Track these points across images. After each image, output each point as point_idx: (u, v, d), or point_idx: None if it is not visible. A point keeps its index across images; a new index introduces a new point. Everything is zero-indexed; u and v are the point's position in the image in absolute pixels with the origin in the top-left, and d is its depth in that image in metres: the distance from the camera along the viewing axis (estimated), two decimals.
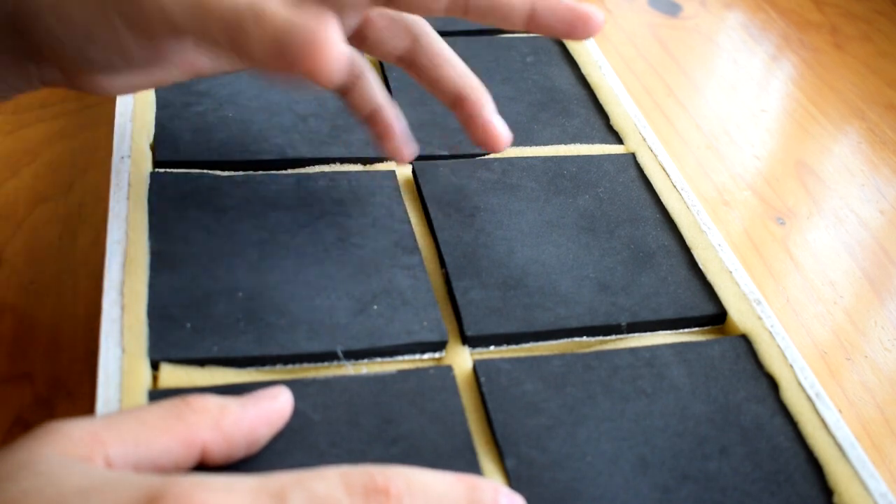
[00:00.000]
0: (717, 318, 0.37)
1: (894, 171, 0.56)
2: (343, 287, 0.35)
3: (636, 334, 0.36)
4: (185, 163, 0.40)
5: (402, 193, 0.41)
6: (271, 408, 0.29)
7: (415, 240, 0.38)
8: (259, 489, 0.24)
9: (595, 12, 0.34)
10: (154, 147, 0.41)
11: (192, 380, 0.32)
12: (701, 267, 0.38)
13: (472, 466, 0.30)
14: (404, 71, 0.40)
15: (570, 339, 0.36)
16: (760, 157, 0.56)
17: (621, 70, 0.62)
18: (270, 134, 0.42)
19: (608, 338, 0.36)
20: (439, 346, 0.34)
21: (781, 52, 0.67)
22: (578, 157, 0.44)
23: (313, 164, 0.42)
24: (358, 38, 0.39)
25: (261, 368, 0.33)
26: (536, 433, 0.31)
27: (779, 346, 0.35)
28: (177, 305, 0.34)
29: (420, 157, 0.43)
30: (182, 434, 0.27)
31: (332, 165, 0.42)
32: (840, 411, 0.39)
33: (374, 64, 0.49)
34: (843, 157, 0.57)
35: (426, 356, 0.34)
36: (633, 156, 0.45)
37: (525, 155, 0.44)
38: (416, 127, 0.43)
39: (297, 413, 0.30)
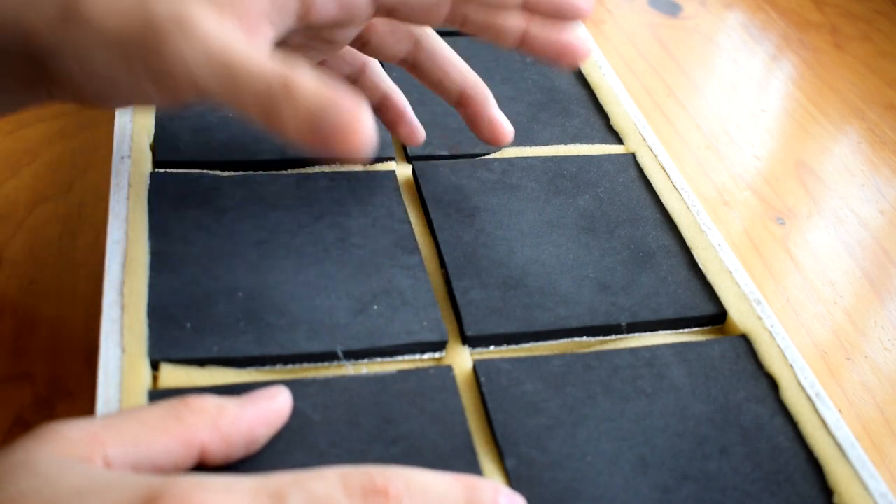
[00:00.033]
0: (717, 318, 0.37)
1: (894, 171, 0.56)
2: (343, 287, 0.35)
3: (636, 334, 0.36)
4: (185, 163, 0.40)
5: (402, 193, 0.41)
6: (270, 408, 0.29)
7: (415, 240, 0.38)
8: (258, 489, 0.24)
9: (583, 44, 0.35)
10: (154, 147, 0.41)
11: (192, 380, 0.32)
12: (701, 267, 0.38)
13: (472, 466, 0.30)
14: (406, 71, 0.40)
15: (570, 339, 0.36)
16: (760, 157, 0.56)
17: (621, 70, 0.62)
18: (270, 134, 0.42)
19: (608, 338, 0.36)
20: (439, 346, 0.34)
21: (781, 52, 0.67)
22: (578, 157, 0.44)
23: (313, 164, 0.42)
24: (360, 42, 0.39)
25: (261, 368, 0.33)
26: (536, 433, 0.31)
27: (779, 346, 0.35)
28: (177, 305, 0.33)
29: (420, 157, 0.43)
30: (181, 434, 0.27)
31: (332, 165, 0.42)
32: (840, 411, 0.39)
33: None
34: (843, 157, 0.57)
35: (426, 356, 0.34)
36: (633, 156, 0.45)
37: (525, 155, 0.44)
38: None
39: (297, 413, 0.30)
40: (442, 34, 0.52)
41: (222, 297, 0.34)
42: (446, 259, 0.37)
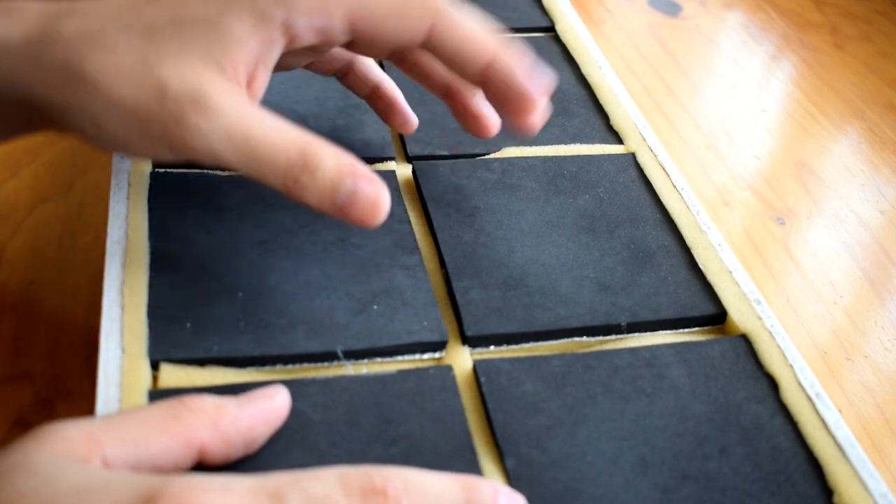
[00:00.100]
0: (717, 318, 0.37)
1: (894, 171, 0.56)
2: (343, 287, 0.35)
3: (636, 334, 0.36)
4: (185, 163, 0.40)
5: (402, 193, 0.41)
6: (268, 407, 0.29)
7: (415, 240, 0.38)
8: (257, 489, 0.24)
9: (540, 99, 0.35)
10: None
11: (192, 380, 0.32)
12: (701, 267, 0.38)
13: (472, 466, 0.30)
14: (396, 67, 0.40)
15: (570, 339, 0.36)
16: (760, 157, 0.56)
17: (621, 70, 0.62)
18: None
19: (608, 338, 0.36)
20: (439, 346, 0.34)
21: (781, 52, 0.67)
22: (578, 157, 0.44)
23: None
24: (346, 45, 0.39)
25: (261, 368, 0.33)
26: (536, 433, 0.31)
27: (779, 346, 0.35)
28: (177, 305, 0.33)
29: (420, 157, 0.43)
30: (180, 434, 0.27)
31: None
32: (840, 411, 0.39)
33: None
34: (843, 157, 0.57)
35: (426, 356, 0.34)
36: (633, 156, 0.45)
37: (525, 155, 0.44)
38: (417, 127, 0.43)
39: (296, 413, 0.30)
40: None
41: (222, 297, 0.34)
42: (446, 259, 0.37)
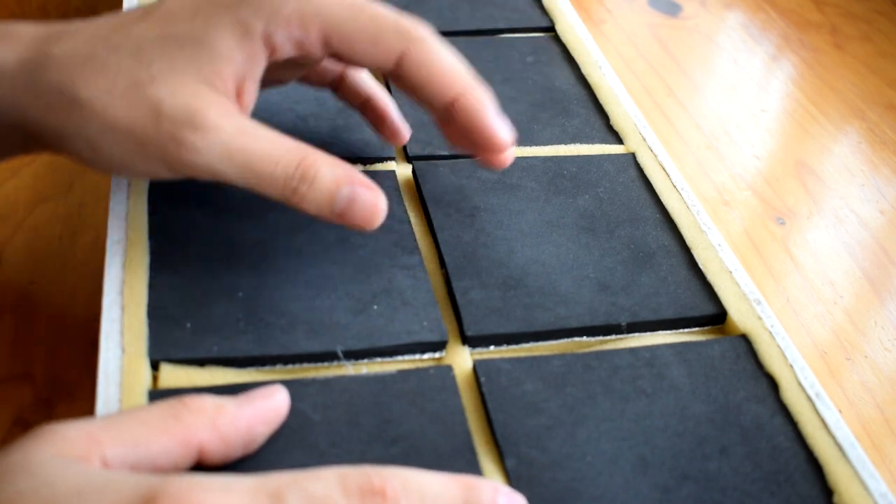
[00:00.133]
0: (717, 318, 0.37)
1: (894, 171, 0.56)
2: (343, 287, 0.35)
3: (636, 334, 0.36)
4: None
5: (402, 193, 0.41)
6: (267, 406, 0.29)
7: (415, 240, 0.38)
8: (256, 489, 0.24)
9: (504, 139, 0.35)
10: None
11: (192, 380, 0.32)
12: (701, 267, 0.38)
13: (472, 466, 0.30)
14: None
15: (570, 339, 0.36)
16: (760, 157, 0.56)
17: (621, 70, 0.62)
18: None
19: (608, 338, 0.36)
20: (439, 346, 0.34)
21: (781, 52, 0.67)
22: (578, 157, 0.44)
23: None
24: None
25: (261, 368, 0.33)
26: (536, 433, 0.31)
27: (779, 346, 0.35)
28: (177, 305, 0.34)
29: (420, 157, 0.43)
30: (179, 434, 0.27)
31: None
32: (840, 411, 0.39)
33: None
34: (843, 157, 0.57)
35: (426, 356, 0.34)
36: (633, 156, 0.45)
37: (525, 155, 0.44)
38: (417, 127, 0.43)
39: (296, 413, 0.30)
40: (442, 34, 0.52)
41: (222, 297, 0.34)
42: (446, 259, 0.37)
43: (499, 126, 0.35)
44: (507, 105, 0.47)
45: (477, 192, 0.41)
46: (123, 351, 0.32)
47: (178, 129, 0.31)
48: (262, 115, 0.43)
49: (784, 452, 0.32)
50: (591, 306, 0.36)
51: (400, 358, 0.34)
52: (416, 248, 0.38)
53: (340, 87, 0.41)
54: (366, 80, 0.41)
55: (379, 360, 0.34)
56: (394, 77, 0.36)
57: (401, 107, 0.42)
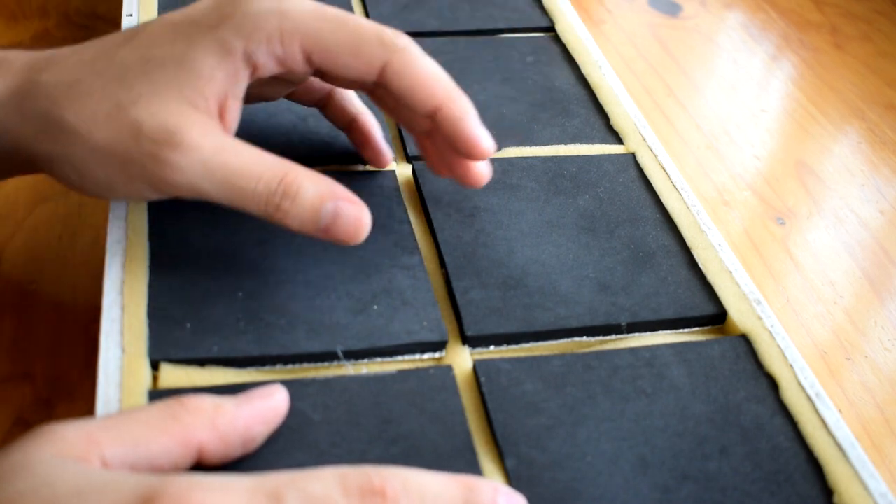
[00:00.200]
0: (717, 318, 0.37)
1: (894, 171, 0.56)
2: (343, 287, 0.35)
3: (636, 334, 0.36)
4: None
5: (402, 193, 0.41)
6: (266, 406, 0.29)
7: (415, 240, 0.38)
8: (255, 489, 0.24)
9: (487, 147, 0.35)
10: None
11: (191, 380, 0.32)
12: (701, 267, 0.38)
13: (472, 466, 0.30)
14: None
15: (570, 339, 0.36)
16: (760, 157, 0.56)
17: (621, 70, 0.62)
18: (270, 135, 0.42)
19: (608, 338, 0.36)
20: (439, 346, 0.34)
21: (781, 52, 0.67)
22: (578, 157, 0.44)
23: (313, 164, 0.41)
24: (320, 75, 0.39)
25: (261, 368, 0.33)
26: (536, 433, 0.31)
27: (779, 346, 0.35)
28: (177, 305, 0.34)
29: (420, 158, 0.43)
30: (178, 434, 0.27)
31: (332, 166, 0.42)
32: (840, 411, 0.39)
33: None
34: (843, 157, 0.57)
35: (426, 356, 0.34)
36: (633, 156, 0.45)
37: (525, 155, 0.44)
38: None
39: (296, 413, 0.30)
40: (442, 34, 0.52)
41: (222, 297, 0.34)
42: (446, 259, 0.37)
43: (481, 134, 0.35)
44: (507, 105, 0.47)
45: (477, 192, 0.41)
46: (123, 351, 0.32)
47: (159, 148, 0.32)
48: (263, 115, 0.43)
49: (784, 452, 0.32)
50: (591, 306, 0.36)
51: (400, 358, 0.34)
52: (416, 248, 0.38)
53: (327, 107, 0.41)
54: (352, 100, 0.41)
55: (379, 360, 0.34)
56: (377, 90, 0.36)
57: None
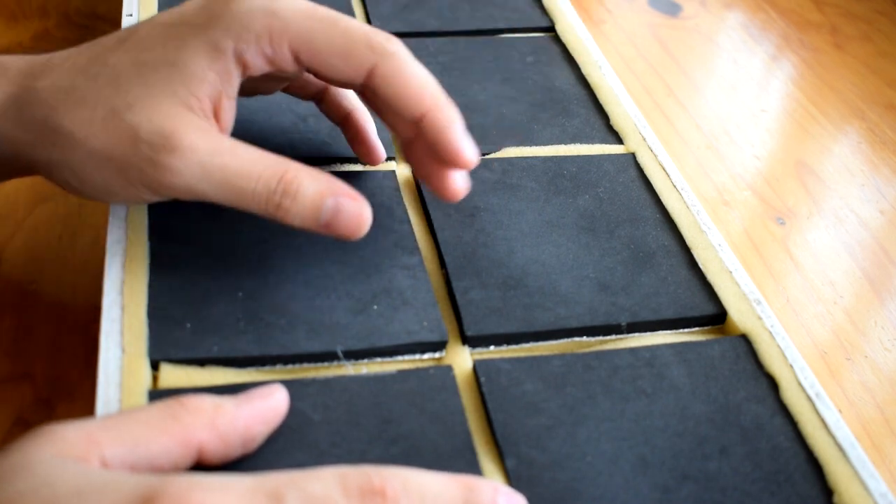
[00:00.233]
0: (717, 318, 0.37)
1: (894, 171, 0.56)
2: (343, 287, 0.35)
3: (636, 334, 0.36)
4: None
5: (402, 193, 0.41)
6: (266, 406, 0.29)
7: (415, 240, 0.38)
8: (255, 489, 0.24)
9: (470, 157, 0.34)
10: None
11: (191, 380, 0.32)
12: (701, 267, 0.38)
13: (472, 466, 0.30)
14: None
15: (570, 339, 0.36)
16: (760, 157, 0.56)
17: (621, 70, 0.62)
18: (270, 134, 0.42)
19: (608, 338, 0.36)
20: (439, 346, 0.34)
21: (781, 52, 0.67)
22: (578, 157, 0.44)
23: (313, 164, 0.41)
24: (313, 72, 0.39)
25: (261, 368, 0.33)
26: (536, 433, 0.31)
27: (779, 346, 0.35)
28: (177, 305, 0.34)
29: None
30: (178, 434, 0.27)
31: (332, 165, 0.42)
32: (840, 411, 0.39)
33: None
34: (843, 157, 0.57)
35: (426, 356, 0.34)
36: (633, 156, 0.45)
37: (525, 155, 0.44)
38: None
39: (296, 413, 0.30)
40: (442, 34, 0.52)
41: (222, 297, 0.34)
42: (446, 259, 0.37)
43: (466, 144, 0.34)
44: (507, 105, 0.47)
45: (477, 192, 0.41)
46: (123, 351, 0.32)
47: (156, 152, 0.32)
48: (263, 115, 0.43)
49: (784, 452, 0.32)
50: (591, 306, 0.36)
51: (400, 358, 0.34)
52: (416, 248, 0.38)
53: (323, 101, 0.41)
54: (348, 96, 0.41)
55: (379, 360, 0.34)
56: (364, 93, 0.36)
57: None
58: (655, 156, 0.44)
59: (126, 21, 0.48)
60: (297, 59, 0.34)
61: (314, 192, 0.33)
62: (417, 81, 0.34)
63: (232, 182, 0.32)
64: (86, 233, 0.44)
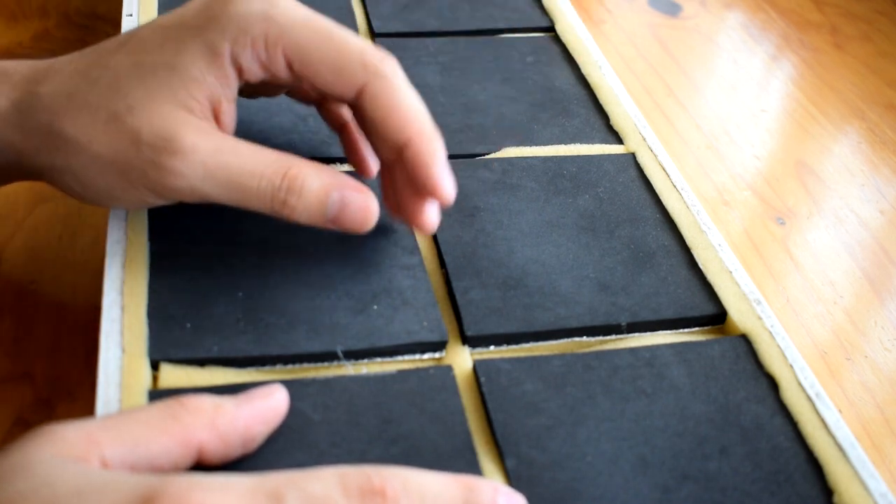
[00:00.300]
0: (717, 318, 0.37)
1: (894, 171, 0.56)
2: (343, 287, 0.35)
3: (636, 334, 0.36)
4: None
5: None
6: (266, 406, 0.29)
7: (415, 240, 0.38)
8: (255, 489, 0.24)
9: (446, 193, 0.34)
10: None
11: (191, 380, 0.32)
12: (701, 267, 0.38)
13: (472, 466, 0.30)
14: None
15: (570, 339, 0.36)
16: (760, 157, 0.56)
17: (621, 70, 0.62)
18: (271, 134, 0.42)
19: (608, 338, 0.36)
20: (439, 346, 0.34)
21: (781, 52, 0.67)
22: (578, 157, 0.44)
23: None
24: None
25: (261, 368, 0.33)
26: (536, 433, 0.31)
27: (779, 346, 0.35)
28: (177, 305, 0.34)
29: None
30: (178, 434, 0.27)
31: (332, 165, 0.42)
32: (840, 411, 0.39)
33: None
34: (843, 157, 0.57)
35: (426, 356, 0.34)
36: (633, 156, 0.45)
37: (525, 155, 0.44)
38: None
39: (297, 413, 0.30)
40: (442, 34, 0.52)
41: (222, 297, 0.34)
42: (446, 259, 0.37)
43: (445, 178, 0.34)
44: (507, 105, 0.47)
45: (477, 192, 0.41)
46: (123, 351, 0.32)
47: (158, 154, 0.32)
48: (263, 115, 0.43)
49: (784, 452, 0.32)
50: (591, 306, 0.36)
51: (400, 358, 0.34)
52: (416, 248, 0.38)
53: (322, 107, 0.40)
54: (345, 106, 0.40)
55: (379, 360, 0.34)
56: (354, 109, 0.36)
57: None
58: (655, 156, 0.44)
59: (126, 21, 0.48)
60: (290, 68, 0.34)
61: (319, 188, 0.33)
62: (405, 107, 0.34)
63: (236, 181, 0.32)
64: (86, 233, 0.44)
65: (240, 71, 0.34)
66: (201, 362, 0.32)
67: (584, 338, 0.36)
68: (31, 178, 0.36)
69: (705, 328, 0.37)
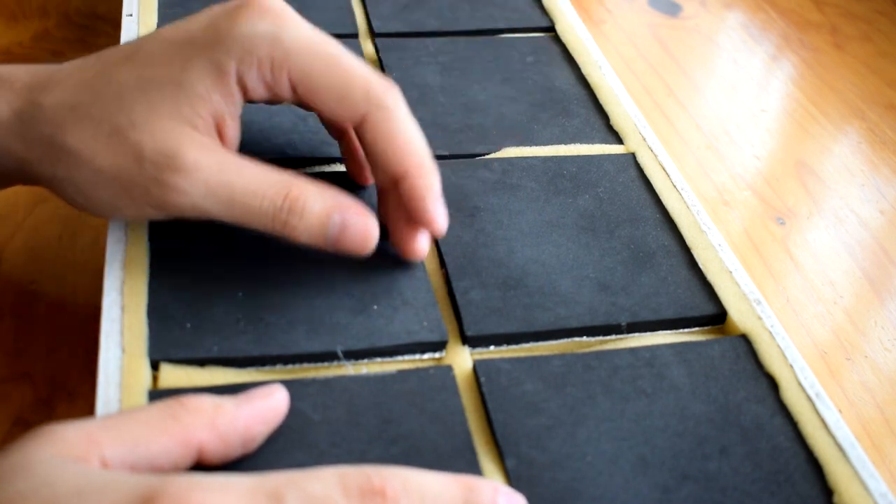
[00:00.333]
0: (717, 318, 0.37)
1: (894, 171, 0.56)
2: (343, 287, 0.35)
3: (636, 334, 0.36)
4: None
5: None
6: (266, 406, 0.29)
7: None
8: (255, 489, 0.24)
9: (439, 227, 0.35)
10: None
11: (191, 380, 0.32)
12: (701, 267, 0.38)
13: (472, 466, 0.30)
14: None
15: (570, 339, 0.36)
16: (760, 157, 0.56)
17: (621, 70, 0.62)
18: (271, 134, 0.42)
19: (608, 338, 0.36)
20: (439, 346, 0.34)
21: (781, 52, 0.67)
22: (578, 157, 0.44)
23: (313, 164, 0.42)
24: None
25: (261, 368, 0.33)
26: (536, 433, 0.31)
27: (779, 346, 0.35)
28: (177, 305, 0.34)
29: None
30: (178, 434, 0.27)
31: (332, 165, 0.42)
32: (840, 411, 0.39)
33: (373, 62, 0.49)
34: (843, 157, 0.57)
35: (426, 356, 0.34)
36: (633, 156, 0.45)
37: (525, 155, 0.44)
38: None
39: (296, 413, 0.30)
40: (442, 34, 0.52)
41: (222, 297, 0.34)
42: (446, 259, 0.37)
43: (439, 213, 0.35)
44: (507, 105, 0.47)
45: (477, 192, 0.41)
46: (123, 351, 0.32)
47: (160, 171, 0.32)
48: (263, 115, 0.43)
49: (784, 452, 0.32)
50: (591, 306, 0.36)
51: (400, 358, 0.34)
52: None
53: (324, 117, 0.41)
54: None
55: (379, 360, 0.34)
56: (357, 134, 0.36)
57: None
58: (655, 156, 0.44)
59: (126, 21, 0.48)
60: (294, 91, 0.34)
61: (320, 209, 0.33)
62: (404, 140, 0.34)
63: (238, 200, 0.32)
64: (86, 233, 0.44)
65: (245, 90, 0.34)
66: (201, 362, 0.32)
67: (584, 338, 0.36)
68: (32, 185, 0.36)
69: (705, 328, 0.37)
